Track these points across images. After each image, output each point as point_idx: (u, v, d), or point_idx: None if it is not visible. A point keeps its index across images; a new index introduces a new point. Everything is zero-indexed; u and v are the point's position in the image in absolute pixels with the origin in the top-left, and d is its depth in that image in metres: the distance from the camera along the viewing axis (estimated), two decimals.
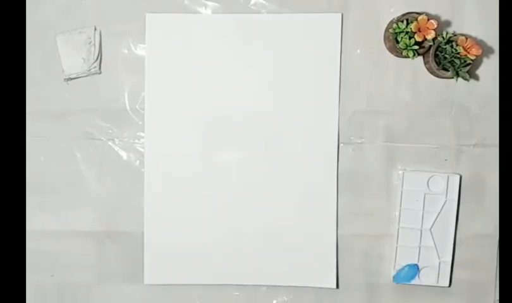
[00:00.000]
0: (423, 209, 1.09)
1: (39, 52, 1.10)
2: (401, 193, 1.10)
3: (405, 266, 1.10)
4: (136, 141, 1.11)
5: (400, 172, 1.10)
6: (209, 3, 1.10)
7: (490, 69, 1.09)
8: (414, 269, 1.10)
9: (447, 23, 1.09)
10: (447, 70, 1.05)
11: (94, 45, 1.09)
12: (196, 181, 1.11)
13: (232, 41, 1.10)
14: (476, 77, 1.10)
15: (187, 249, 1.11)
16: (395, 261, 1.10)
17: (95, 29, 1.10)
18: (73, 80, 1.10)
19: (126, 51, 1.11)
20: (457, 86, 1.09)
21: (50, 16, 1.10)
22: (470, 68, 1.05)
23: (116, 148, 1.11)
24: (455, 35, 1.05)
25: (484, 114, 1.10)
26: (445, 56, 1.04)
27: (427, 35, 1.02)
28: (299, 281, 1.11)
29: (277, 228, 1.10)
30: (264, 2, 1.10)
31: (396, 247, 1.10)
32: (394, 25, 1.04)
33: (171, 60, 1.10)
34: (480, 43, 1.07)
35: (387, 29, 1.07)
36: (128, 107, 1.11)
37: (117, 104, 1.11)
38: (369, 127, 1.10)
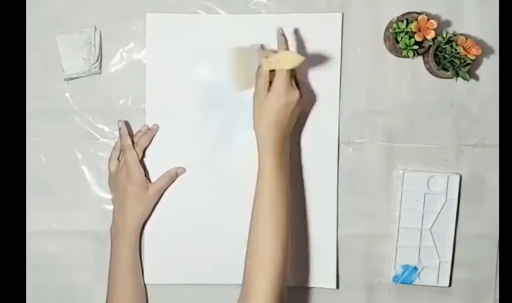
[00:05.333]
0: (423, 209, 1.09)
1: (39, 52, 1.10)
2: (401, 193, 1.10)
3: (405, 267, 1.10)
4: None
5: (400, 172, 1.10)
6: (209, 3, 1.10)
7: (490, 69, 1.09)
8: (414, 270, 1.10)
9: (447, 23, 1.09)
10: (447, 70, 1.05)
11: (94, 45, 1.09)
12: (196, 181, 1.10)
13: (232, 41, 1.10)
14: (476, 77, 1.10)
15: (187, 249, 1.11)
16: (395, 261, 1.10)
17: (95, 29, 1.10)
18: (73, 80, 1.10)
19: (126, 51, 1.11)
20: (457, 86, 1.09)
21: (50, 16, 1.10)
22: (470, 68, 1.05)
23: None
24: (455, 35, 1.05)
25: (484, 114, 1.10)
26: (445, 56, 1.04)
27: (427, 35, 1.02)
28: (299, 281, 1.11)
29: None
30: (264, 1, 1.10)
31: (396, 247, 1.10)
32: (394, 25, 1.04)
33: (171, 60, 1.10)
34: (480, 43, 1.07)
35: (387, 29, 1.07)
36: (127, 107, 1.11)
37: (117, 104, 1.11)
38: (369, 127, 1.10)
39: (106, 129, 1.11)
